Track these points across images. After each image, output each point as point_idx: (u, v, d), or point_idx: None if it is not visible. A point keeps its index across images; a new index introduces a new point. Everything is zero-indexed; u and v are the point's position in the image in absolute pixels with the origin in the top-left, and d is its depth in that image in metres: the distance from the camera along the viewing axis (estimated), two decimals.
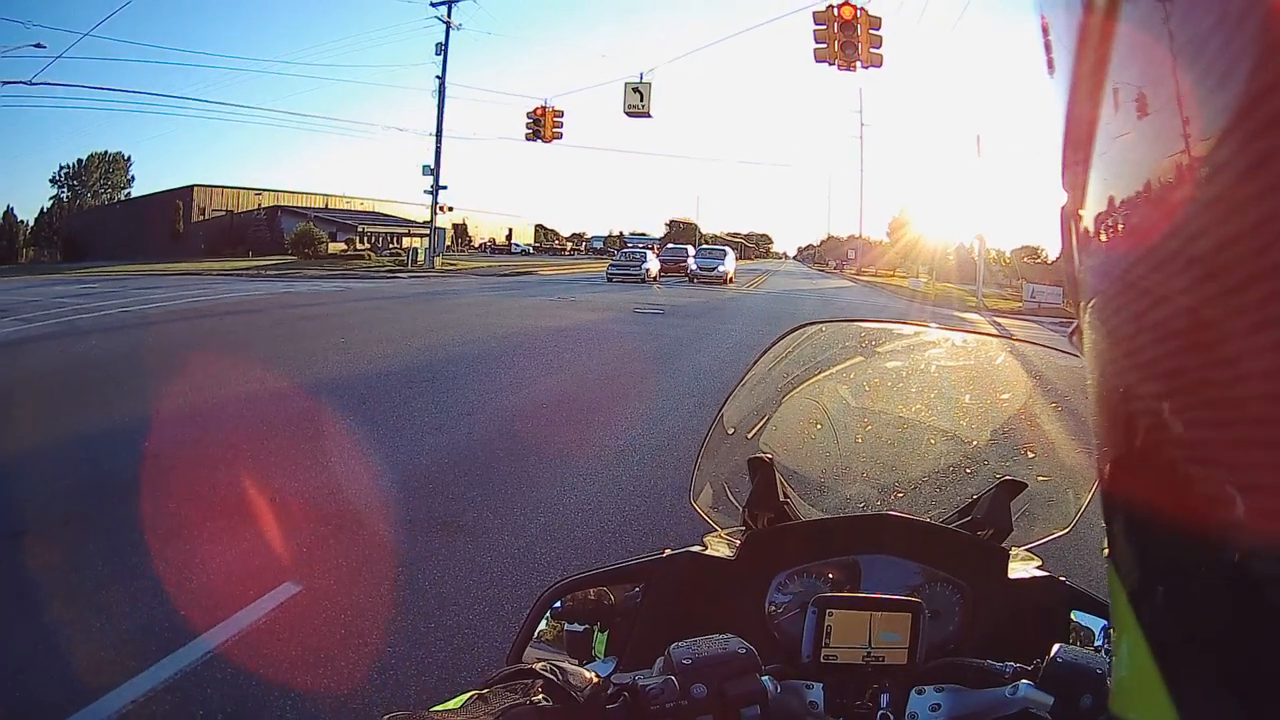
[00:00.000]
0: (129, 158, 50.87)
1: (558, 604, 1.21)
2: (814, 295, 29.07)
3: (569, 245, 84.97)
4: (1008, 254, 43.39)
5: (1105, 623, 1.19)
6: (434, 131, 33.82)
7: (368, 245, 44.70)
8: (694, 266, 33.73)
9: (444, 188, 33.94)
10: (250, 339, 11.42)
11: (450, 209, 36.21)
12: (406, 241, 43.54)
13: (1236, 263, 0.22)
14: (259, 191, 47.61)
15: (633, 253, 35.63)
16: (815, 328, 1.53)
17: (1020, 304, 26.83)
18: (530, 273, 36.78)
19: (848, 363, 1.57)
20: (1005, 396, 1.54)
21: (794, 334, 1.48)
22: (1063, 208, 0.35)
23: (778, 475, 1.31)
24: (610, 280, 30.06)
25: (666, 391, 8.29)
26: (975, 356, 1.65)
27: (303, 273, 29.55)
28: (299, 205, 47.64)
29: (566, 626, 1.23)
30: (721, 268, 32.88)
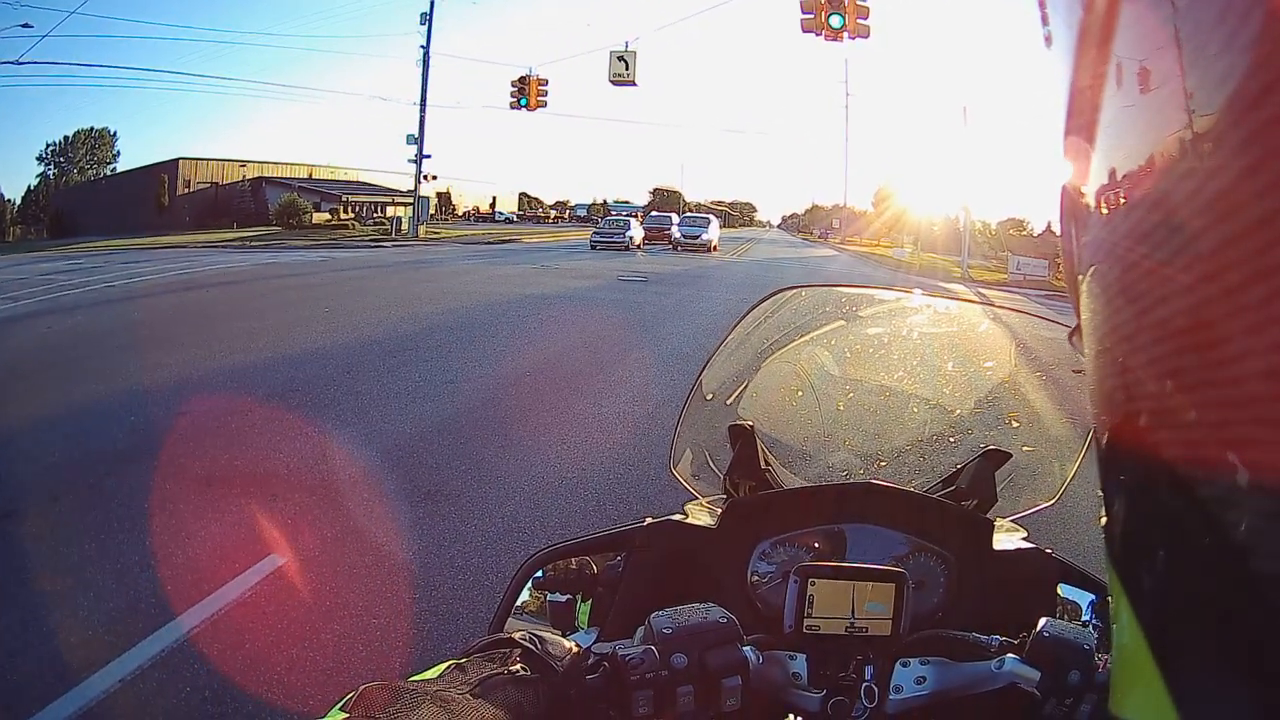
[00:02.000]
0: (115, 133, 49.87)
1: (540, 574, 1.19)
2: (799, 264, 28.94)
3: (553, 213, 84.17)
4: (993, 225, 43.34)
5: (1093, 597, 1.19)
6: (418, 101, 33.39)
7: (352, 215, 44.63)
8: (678, 234, 33.53)
9: (428, 156, 33.57)
10: (236, 310, 11.23)
11: (434, 178, 35.92)
12: (390, 210, 43.40)
13: (1240, 239, 0.21)
14: (243, 163, 47.00)
15: (616, 220, 35.42)
16: (794, 292, 1.51)
17: (1005, 276, 26.67)
18: (513, 240, 36.58)
19: (828, 328, 1.55)
20: (989, 365, 1.53)
21: (773, 299, 1.45)
22: (1063, 181, 0.34)
23: (759, 442, 1.30)
24: (594, 248, 29.78)
25: (651, 361, 8.26)
26: (959, 324, 1.63)
27: (287, 243, 29.18)
28: (283, 176, 47.30)
29: (549, 597, 1.21)
30: (705, 235, 32.71)
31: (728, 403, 1.48)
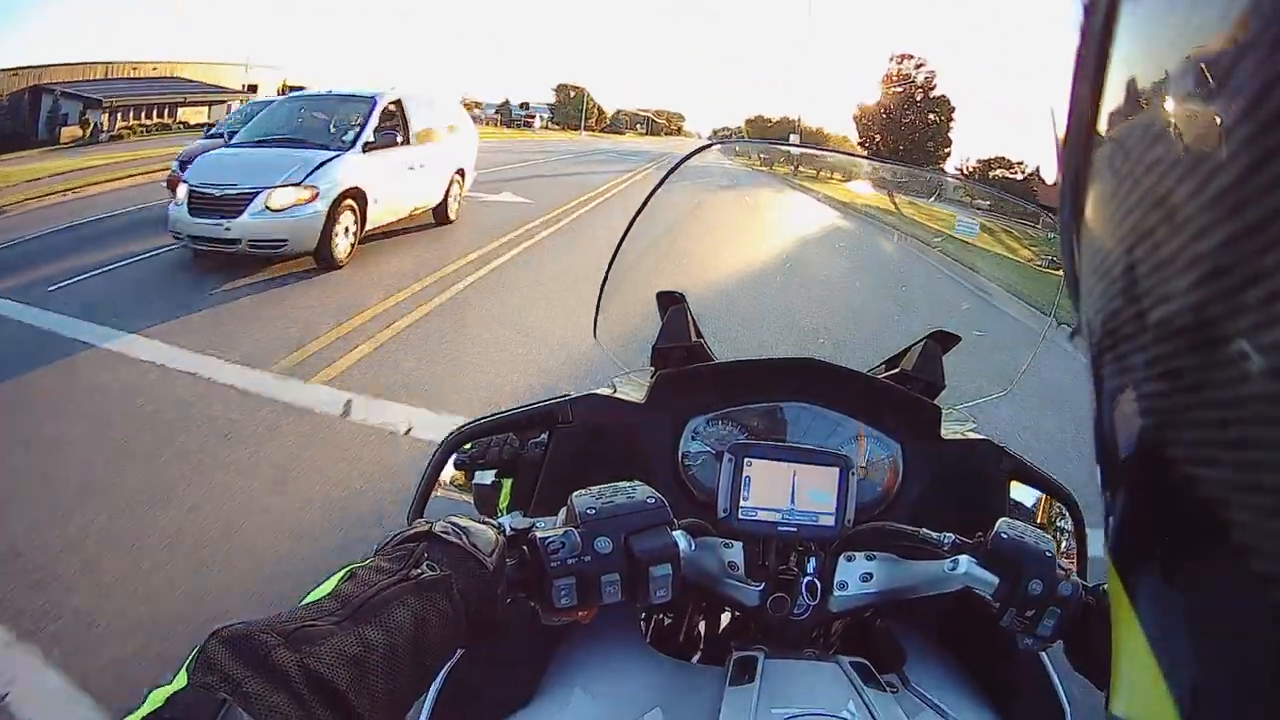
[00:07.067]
0: None
1: (460, 455, 1.10)
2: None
3: None
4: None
5: (1046, 496, 1.15)
6: None
7: (131, 122, 30.18)
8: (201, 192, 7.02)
9: None
10: None
11: None
12: (208, 113, 28.96)
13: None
14: (15, 71, 31.47)
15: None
16: (727, 148, 1.35)
17: None
18: None
19: (765, 190, 1.40)
20: (940, 239, 1.41)
21: (701, 155, 1.32)
22: (1070, 116, 0.31)
23: (689, 313, 1.19)
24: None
25: None
26: (910, 192, 1.50)
27: None
28: (66, 81, 31.57)
29: (475, 479, 1.14)
30: (304, 210, 6.88)
31: (655, 269, 1.37)
